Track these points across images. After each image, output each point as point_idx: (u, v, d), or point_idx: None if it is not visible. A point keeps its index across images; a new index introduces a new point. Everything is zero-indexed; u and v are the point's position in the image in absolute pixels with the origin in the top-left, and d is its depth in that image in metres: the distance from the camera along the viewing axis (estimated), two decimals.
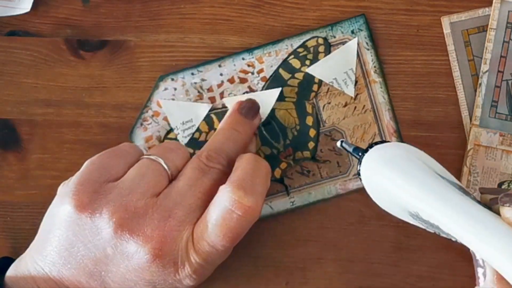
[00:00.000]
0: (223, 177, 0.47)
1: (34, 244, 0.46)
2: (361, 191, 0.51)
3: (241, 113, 0.50)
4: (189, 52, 0.53)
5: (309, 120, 0.52)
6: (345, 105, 0.52)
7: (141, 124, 0.53)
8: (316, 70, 0.52)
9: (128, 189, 0.45)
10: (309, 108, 0.52)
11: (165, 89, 0.52)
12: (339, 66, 0.52)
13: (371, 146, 0.44)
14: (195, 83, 0.52)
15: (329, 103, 0.52)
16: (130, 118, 0.53)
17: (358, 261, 0.51)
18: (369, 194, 0.44)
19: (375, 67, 0.52)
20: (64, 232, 0.44)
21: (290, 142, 0.52)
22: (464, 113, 0.51)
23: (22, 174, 0.53)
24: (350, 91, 0.52)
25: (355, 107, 0.52)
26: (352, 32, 0.52)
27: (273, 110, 0.52)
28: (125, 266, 0.44)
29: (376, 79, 0.52)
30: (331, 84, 0.52)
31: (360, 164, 0.44)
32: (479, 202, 0.40)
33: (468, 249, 0.51)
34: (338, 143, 0.47)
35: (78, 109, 0.53)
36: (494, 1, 0.50)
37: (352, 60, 0.52)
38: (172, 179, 0.47)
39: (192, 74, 0.52)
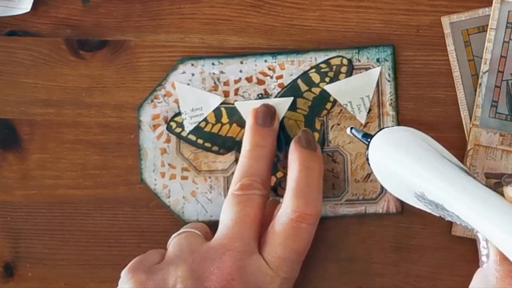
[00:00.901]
0: (263, 200, 0.47)
1: None
2: (351, 217, 0.51)
3: (259, 123, 0.50)
4: (189, 52, 0.53)
5: (315, 137, 0.52)
6: None
7: (152, 101, 0.53)
8: (334, 89, 0.52)
9: (175, 256, 0.45)
10: (317, 125, 0.52)
11: (183, 72, 0.53)
12: (357, 91, 0.52)
13: (377, 132, 0.46)
14: (214, 73, 0.52)
15: (339, 124, 0.52)
16: (130, 118, 0.53)
17: (358, 261, 0.51)
18: (376, 177, 0.45)
19: (391, 99, 0.51)
20: None
21: None
22: (464, 113, 0.51)
23: (22, 174, 0.53)
24: (362, 117, 0.52)
25: None
26: (378, 60, 0.52)
27: (283, 118, 0.52)
28: None
29: (390, 112, 0.51)
30: (345, 106, 0.52)
31: (368, 149, 0.45)
32: (483, 184, 0.41)
33: (467, 250, 0.51)
34: (348, 130, 0.48)
35: (78, 109, 0.53)
36: (494, 1, 0.50)
37: (371, 88, 0.51)
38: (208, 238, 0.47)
39: (213, 64, 0.52)
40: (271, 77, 0.52)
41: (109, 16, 0.53)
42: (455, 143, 0.51)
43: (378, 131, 0.45)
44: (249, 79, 0.52)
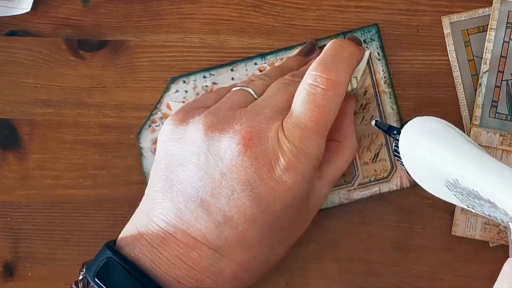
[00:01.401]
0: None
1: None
2: (364, 200, 0.51)
3: (301, 55, 0.51)
4: (189, 52, 0.53)
5: None
6: (354, 114, 0.52)
7: (150, 126, 0.53)
8: None
9: (215, 108, 0.47)
10: None
11: (176, 91, 0.52)
12: None
13: (404, 124, 0.46)
14: (206, 86, 0.52)
15: None
16: (130, 118, 0.53)
17: (358, 261, 0.51)
18: (406, 168, 0.46)
19: (385, 77, 0.51)
20: (162, 155, 0.46)
21: None
22: (464, 113, 0.51)
23: (22, 174, 0.53)
24: None
25: (363, 117, 0.51)
26: (364, 41, 0.52)
27: None
28: (220, 170, 0.44)
29: (386, 90, 0.51)
30: None
31: (397, 141, 0.46)
32: None
33: (467, 250, 0.51)
34: (373, 122, 0.48)
35: (78, 109, 0.53)
36: (494, 1, 0.50)
37: (360, 70, 0.51)
38: None
39: (204, 77, 0.52)
40: None
41: (109, 16, 0.53)
42: None
43: (405, 122, 0.45)
44: None
